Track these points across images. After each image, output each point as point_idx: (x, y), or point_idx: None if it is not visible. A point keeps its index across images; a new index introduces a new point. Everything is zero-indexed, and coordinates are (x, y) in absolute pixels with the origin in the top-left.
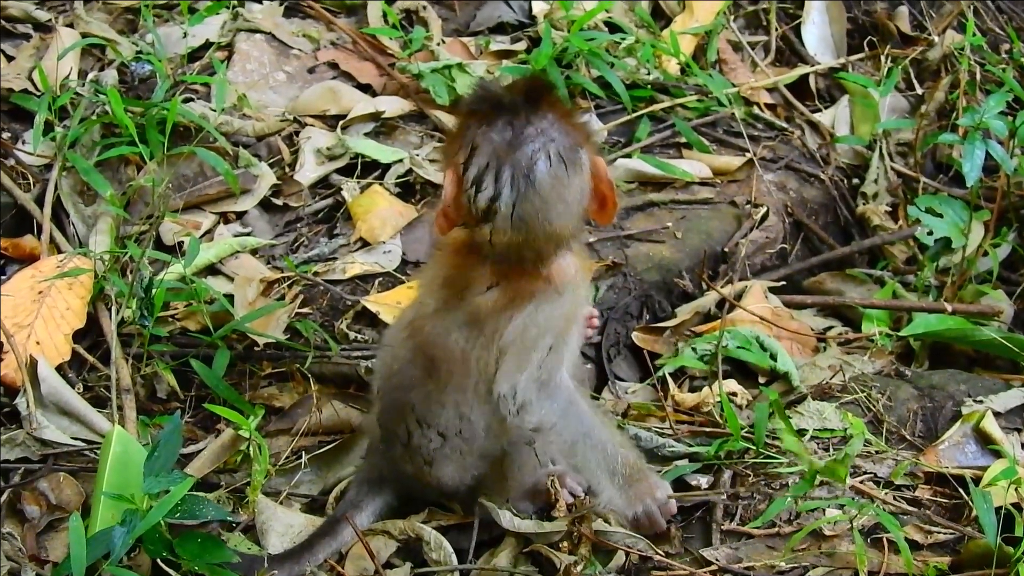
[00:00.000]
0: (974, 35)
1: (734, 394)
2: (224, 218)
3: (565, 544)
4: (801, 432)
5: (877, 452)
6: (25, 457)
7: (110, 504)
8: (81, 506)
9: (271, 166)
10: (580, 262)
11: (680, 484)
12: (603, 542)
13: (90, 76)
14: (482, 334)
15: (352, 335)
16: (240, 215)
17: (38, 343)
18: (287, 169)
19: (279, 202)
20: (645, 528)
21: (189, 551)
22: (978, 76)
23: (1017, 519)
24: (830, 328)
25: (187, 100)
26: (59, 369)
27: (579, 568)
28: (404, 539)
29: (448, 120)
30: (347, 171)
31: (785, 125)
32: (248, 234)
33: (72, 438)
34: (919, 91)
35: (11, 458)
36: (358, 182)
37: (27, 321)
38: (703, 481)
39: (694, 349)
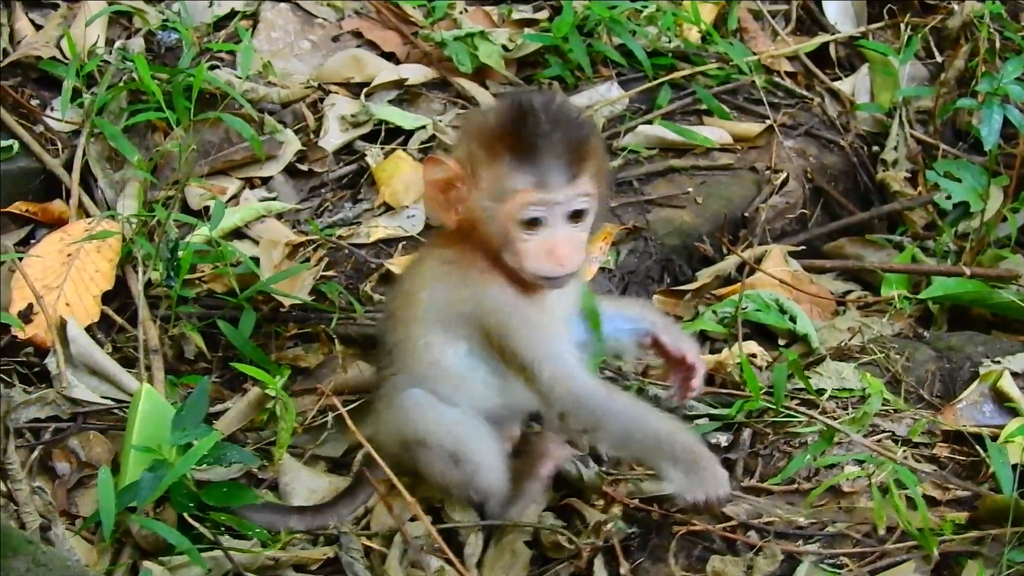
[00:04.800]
0: (993, 3)
1: (754, 355)
2: (250, 183)
3: (600, 503)
4: (820, 392)
5: (895, 411)
6: (55, 415)
7: (139, 459)
8: (110, 463)
9: (296, 132)
10: None
11: None
12: (634, 504)
13: (117, 44)
14: None
15: (376, 297)
16: (265, 180)
17: (68, 304)
18: (312, 135)
19: (304, 168)
20: (701, 510)
21: (216, 497)
22: (997, 44)
23: None
24: (849, 292)
25: (213, 67)
26: (88, 330)
27: (608, 527)
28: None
29: (470, 87)
30: (371, 137)
31: (805, 93)
32: (273, 199)
33: (101, 397)
34: (939, 59)
35: (41, 416)
36: (382, 148)
37: (57, 283)
38: (723, 439)
39: (715, 312)
